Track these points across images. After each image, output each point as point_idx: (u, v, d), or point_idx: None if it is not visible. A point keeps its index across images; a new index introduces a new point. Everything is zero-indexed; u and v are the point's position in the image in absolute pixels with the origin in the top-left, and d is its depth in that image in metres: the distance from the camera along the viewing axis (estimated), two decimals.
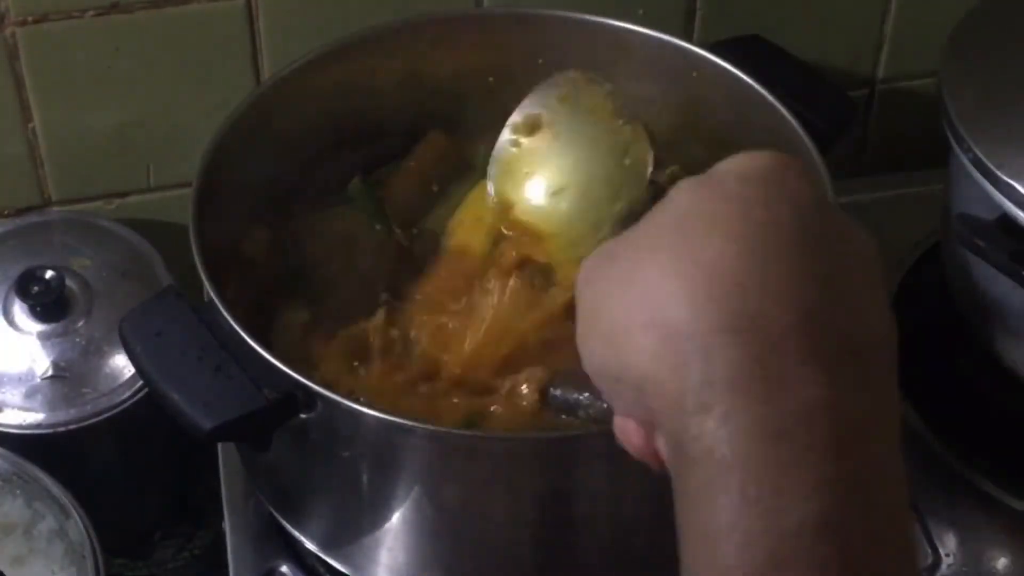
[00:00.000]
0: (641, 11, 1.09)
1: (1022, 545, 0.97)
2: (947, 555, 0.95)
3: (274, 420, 0.79)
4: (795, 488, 0.52)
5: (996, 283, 0.94)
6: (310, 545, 0.89)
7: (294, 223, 0.95)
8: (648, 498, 0.82)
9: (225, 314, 0.80)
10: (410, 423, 0.77)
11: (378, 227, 0.95)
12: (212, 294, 0.82)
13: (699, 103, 0.98)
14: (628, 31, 0.98)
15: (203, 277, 0.83)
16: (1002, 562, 0.96)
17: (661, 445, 0.56)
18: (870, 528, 0.52)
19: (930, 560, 0.94)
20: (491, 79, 1.01)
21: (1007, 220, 0.91)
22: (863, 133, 1.24)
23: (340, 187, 0.98)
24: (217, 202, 0.89)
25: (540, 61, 1.00)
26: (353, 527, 0.86)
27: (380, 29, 0.99)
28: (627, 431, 0.58)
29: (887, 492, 0.54)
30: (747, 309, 0.53)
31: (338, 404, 0.77)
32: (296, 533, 0.90)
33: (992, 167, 0.91)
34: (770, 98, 0.93)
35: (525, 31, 1.00)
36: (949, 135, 0.95)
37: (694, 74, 0.97)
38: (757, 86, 0.94)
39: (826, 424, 0.52)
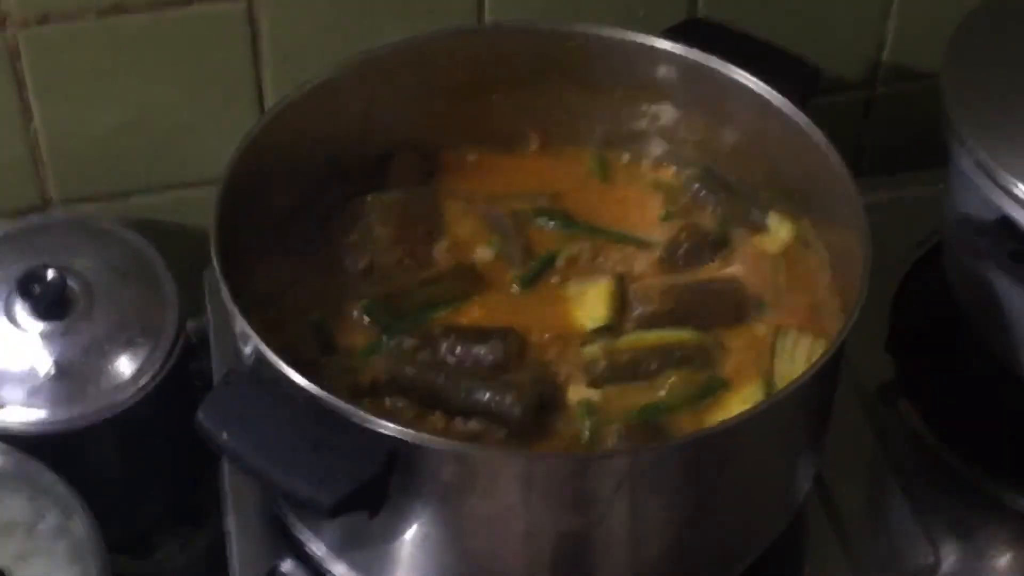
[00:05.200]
0: (642, 12, 1.09)
1: (1022, 545, 0.97)
2: (947, 555, 0.95)
3: (387, 481, 0.78)
4: None
5: (996, 283, 0.94)
6: (319, 547, 0.90)
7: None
8: (669, 518, 0.83)
9: (308, 386, 0.78)
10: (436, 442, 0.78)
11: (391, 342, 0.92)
12: (285, 371, 0.79)
13: (714, 113, 0.99)
14: (626, 42, 0.98)
15: (261, 347, 0.80)
16: (1002, 562, 0.96)
17: None
18: None
19: (930, 560, 0.95)
20: (495, 96, 1.01)
21: (1007, 220, 0.91)
22: (863, 134, 1.24)
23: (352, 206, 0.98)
24: (236, 245, 0.88)
25: (545, 74, 1.01)
26: (366, 532, 0.86)
27: (384, 50, 0.98)
28: None
29: None
30: None
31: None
32: (306, 534, 0.90)
33: (992, 167, 0.91)
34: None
35: (530, 44, 1.00)
36: (949, 135, 0.95)
37: (698, 80, 0.98)
38: (769, 91, 0.95)
39: None
